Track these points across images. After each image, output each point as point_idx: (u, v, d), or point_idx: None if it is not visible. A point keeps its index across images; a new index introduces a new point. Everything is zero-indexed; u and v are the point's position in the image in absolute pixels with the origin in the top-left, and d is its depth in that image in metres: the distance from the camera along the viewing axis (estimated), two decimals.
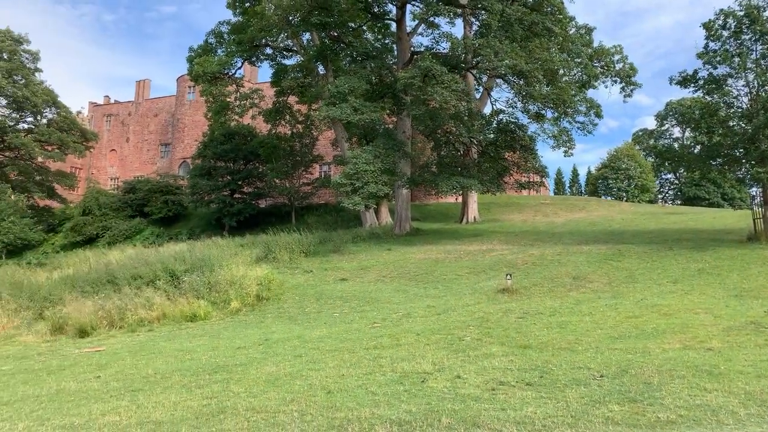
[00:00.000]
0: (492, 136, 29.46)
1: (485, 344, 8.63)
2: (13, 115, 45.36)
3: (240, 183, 41.42)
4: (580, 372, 6.67)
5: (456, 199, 41.04)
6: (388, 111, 32.80)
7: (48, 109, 46.05)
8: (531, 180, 30.89)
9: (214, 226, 40.44)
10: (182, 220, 44.92)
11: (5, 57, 43.93)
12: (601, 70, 37.56)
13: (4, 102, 44.28)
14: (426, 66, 24.04)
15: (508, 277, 14.61)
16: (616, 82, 38.52)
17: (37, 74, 46.26)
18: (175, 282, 17.50)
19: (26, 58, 45.51)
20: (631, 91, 38.45)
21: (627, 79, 38.06)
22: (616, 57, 37.89)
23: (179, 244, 27.78)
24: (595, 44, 37.19)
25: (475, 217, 35.11)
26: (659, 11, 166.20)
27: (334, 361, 8.25)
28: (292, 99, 37.84)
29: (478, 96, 34.34)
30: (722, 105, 21.48)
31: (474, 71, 30.36)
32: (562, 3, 28.80)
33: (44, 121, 46.55)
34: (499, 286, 14.60)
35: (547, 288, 14.30)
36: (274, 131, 39.42)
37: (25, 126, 46.46)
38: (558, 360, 7.31)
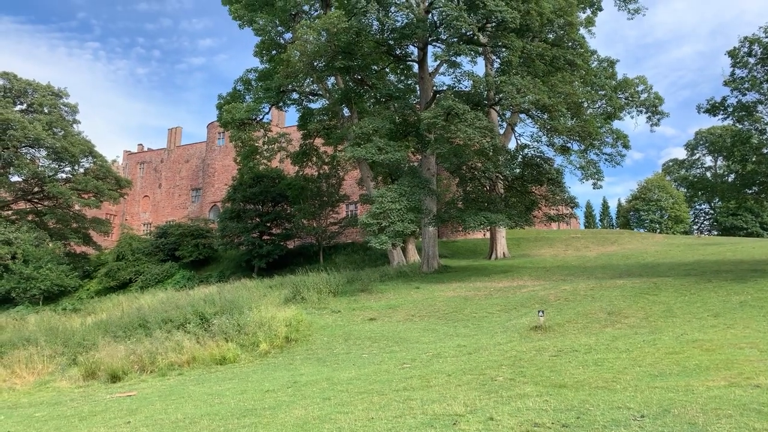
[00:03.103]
0: (518, 170, 29.37)
1: (518, 384, 8.35)
2: (53, 165, 47.29)
3: (269, 225, 41.99)
4: (619, 412, 6.38)
5: (484, 234, 40.76)
6: (412, 149, 33.13)
7: (85, 158, 47.87)
8: (560, 212, 30.50)
9: (244, 268, 40.87)
10: (213, 263, 45.57)
11: (46, 110, 46.19)
12: (626, 101, 37.39)
13: (44, 153, 46.29)
14: (449, 105, 24.30)
15: (541, 313, 14.26)
16: (641, 112, 38.24)
17: (75, 126, 48.43)
18: (204, 325, 17.61)
19: (65, 111, 47.76)
20: (658, 120, 38.10)
21: (653, 108, 37.76)
22: (641, 87, 37.73)
23: (209, 287, 28.11)
24: (619, 77, 37.15)
25: (504, 253, 34.67)
26: (679, 42, 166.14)
27: (363, 403, 8.08)
28: (318, 141, 38.64)
29: (502, 131, 34.44)
30: (754, 132, 21.10)
31: (497, 107, 30.57)
32: (583, 37, 29.01)
33: (81, 170, 48.33)
34: (532, 323, 14.25)
35: (582, 324, 13.88)
36: (301, 173, 40.17)
37: (64, 175, 48.30)
38: (595, 400, 7.02)
